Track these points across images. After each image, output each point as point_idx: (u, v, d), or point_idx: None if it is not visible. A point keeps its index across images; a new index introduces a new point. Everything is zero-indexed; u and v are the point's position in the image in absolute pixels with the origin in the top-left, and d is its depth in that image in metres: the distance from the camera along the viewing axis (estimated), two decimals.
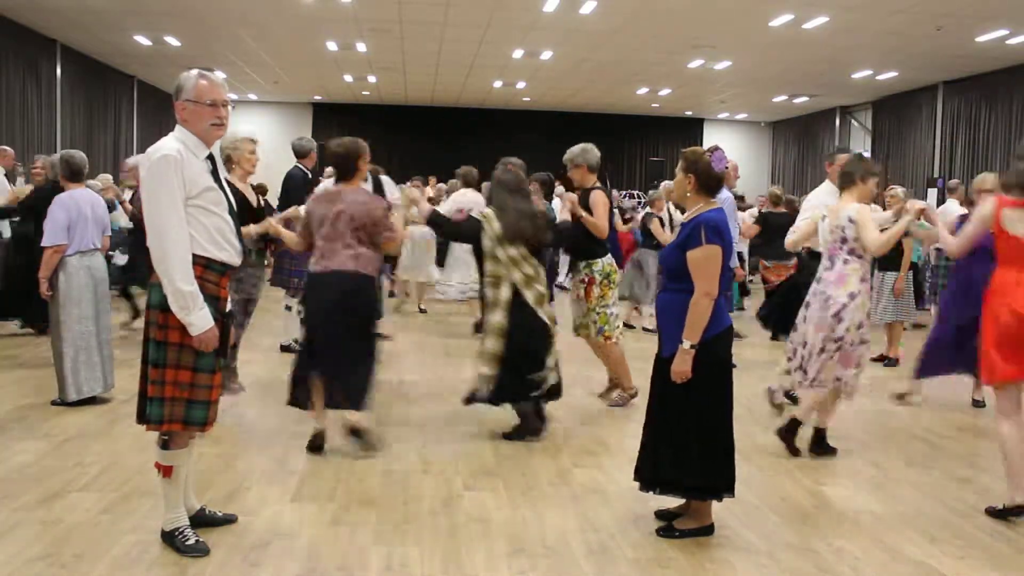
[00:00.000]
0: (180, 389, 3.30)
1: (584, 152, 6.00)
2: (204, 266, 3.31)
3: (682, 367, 3.57)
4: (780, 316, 6.15)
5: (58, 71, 14.88)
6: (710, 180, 3.70)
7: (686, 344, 3.56)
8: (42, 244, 5.60)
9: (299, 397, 4.80)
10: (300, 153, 7.51)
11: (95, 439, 4.94)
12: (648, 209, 9.83)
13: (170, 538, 3.43)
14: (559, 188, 9.24)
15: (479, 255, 5.34)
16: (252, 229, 5.10)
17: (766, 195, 9.20)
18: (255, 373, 6.56)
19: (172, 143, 3.29)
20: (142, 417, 3.40)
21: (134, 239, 8.19)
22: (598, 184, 6.01)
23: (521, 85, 18.57)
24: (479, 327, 8.85)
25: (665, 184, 11.95)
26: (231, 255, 3.42)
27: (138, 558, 3.36)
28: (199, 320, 3.23)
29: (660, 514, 3.93)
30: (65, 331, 5.58)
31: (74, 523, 3.68)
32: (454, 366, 7.36)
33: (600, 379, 6.41)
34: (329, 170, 8.62)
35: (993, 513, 4.10)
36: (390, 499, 4.12)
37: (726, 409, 3.69)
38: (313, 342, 4.70)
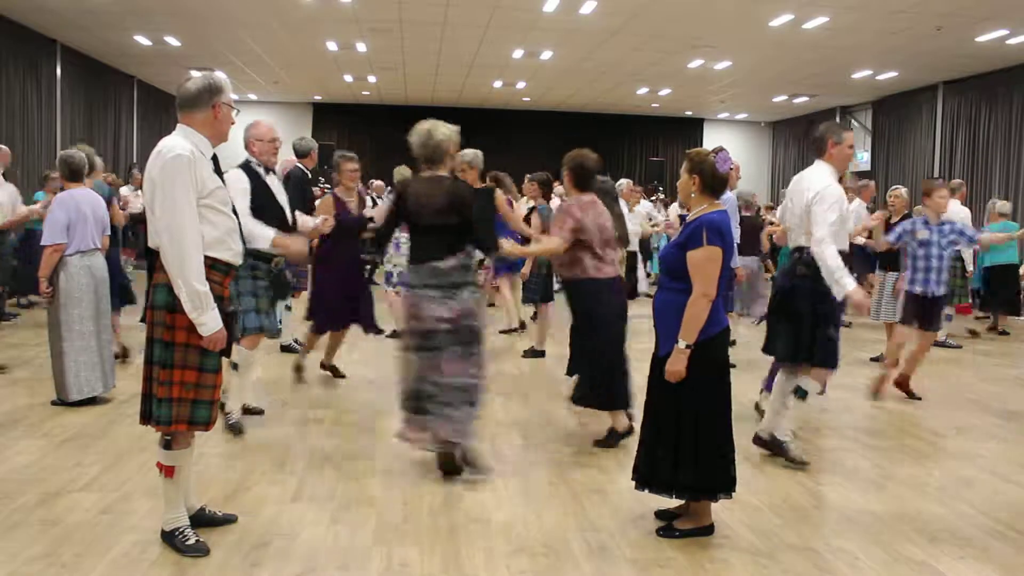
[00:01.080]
0: (186, 389, 3.29)
1: (476, 156, 6.54)
2: (210, 266, 3.29)
3: (676, 366, 3.56)
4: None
5: (58, 71, 14.87)
6: (715, 181, 3.70)
7: (681, 344, 3.56)
8: (41, 243, 5.61)
9: (623, 398, 5.04)
10: (301, 153, 7.50)
11: (95, 439, 4.94)
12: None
13: (170, 538, 3.43)
14: (558, 188, 9.26)
15: None
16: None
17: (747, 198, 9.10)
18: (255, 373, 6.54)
19: (183, 142, 3.24)
20: (146, 417, 3.39)
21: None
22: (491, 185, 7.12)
23: (521, 85, 18.57)
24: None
25: (627, 181, 11.91)
26: (235, 255, 3.42)
27: (138, 558, 3.36)
28: (210, 320, 3.23)
29: (660, 514, 3.93)
30: (65, 331, 5.58)
31: (74, 523, 3.68)
32: None
33: None
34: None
35: None
36: (390, 499, 4.12)
37: (724, 409, 3.68)
38: (617, 344, 5.04)
